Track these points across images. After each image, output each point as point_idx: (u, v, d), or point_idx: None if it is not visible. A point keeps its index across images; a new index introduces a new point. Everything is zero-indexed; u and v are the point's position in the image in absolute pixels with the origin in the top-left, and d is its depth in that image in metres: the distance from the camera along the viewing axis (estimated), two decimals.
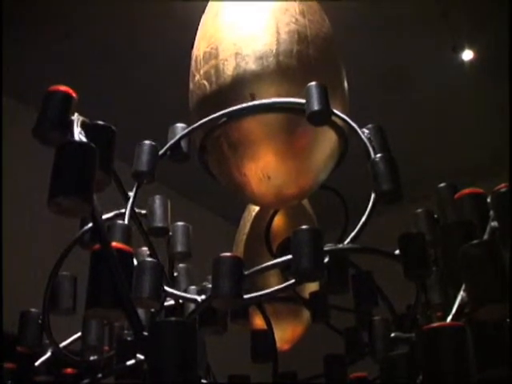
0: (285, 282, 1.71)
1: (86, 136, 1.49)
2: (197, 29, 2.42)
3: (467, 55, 5.85)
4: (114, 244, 1.42)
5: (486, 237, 1.47)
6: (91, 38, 5.63)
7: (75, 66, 5.73)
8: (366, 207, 1.83)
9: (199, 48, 2.32)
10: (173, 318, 1.30)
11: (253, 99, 2.10)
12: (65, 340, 2.08)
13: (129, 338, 1.91)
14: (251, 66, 2.15)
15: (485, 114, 6.30)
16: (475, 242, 1.35)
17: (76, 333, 2.11)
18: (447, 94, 6.21)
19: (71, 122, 1.49)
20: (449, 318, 1.36)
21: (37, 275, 2.49)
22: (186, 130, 2.20)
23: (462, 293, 1.37)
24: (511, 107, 4.88)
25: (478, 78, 6.00)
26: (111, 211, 2.07)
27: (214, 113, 2.12)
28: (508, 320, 1.35)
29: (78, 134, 1.47)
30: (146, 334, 1.35)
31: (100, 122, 1.56)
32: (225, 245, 2.51)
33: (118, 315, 1.36)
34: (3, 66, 5.11)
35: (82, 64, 5.79)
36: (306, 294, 2.22)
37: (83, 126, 1.51)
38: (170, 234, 2.25)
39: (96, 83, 5.81)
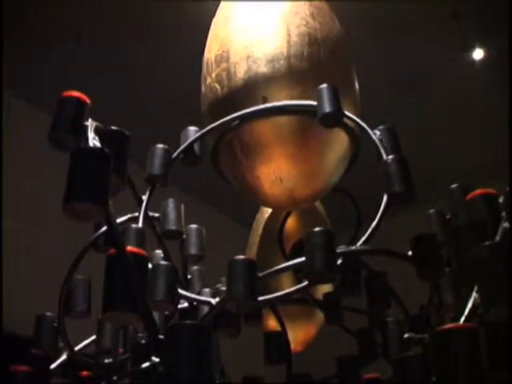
0: (298, 283, 1.72)
1: (100, 141, 1.50)
2: (208, 31, 2.43)
3: (478, 54, 5.84)
4: (129, 248, 1.43)
5: (497, 238, 1.47)
6: (102, 40, 5.65)
7: (86, 68, 5.75)
8: (378, 208, 1.84)
9: (210, 51, 2.33)
10: (188, 321, 1.31)
11: (265, 102, 2.11)
12: (80, 343, 2.09)
13: (143, 341, 1.92)
14: (263, 68, 2.15)
15: (496, 113, 6.27)
16: (487, 243, 1.35)
17: (91, 336, 2.12)
18: (458, 93, 6.20)
19: (85, 128, 1.50)
20: (461, 319, 1.36)
21: (52, 279, 2.50)
22: (199, 134, 2.21)
23: (474, 294, 1.37)
24: (511, 108, 4.86)
25: (488, 77, 5.98)
26: (124, 215, 2.08)
27: (226, 116, 2.13)
28: None
29: (92, 140, 1.48)
30: (161, 336, 1.36)
31: (113, 128, 1.57)
32: (238, 247, 2.52)
33: (134, 319, 1.37)
34: (13, 68, 5.13)
35: (93, 66, 5.81)
36: (320, 296, 2.22)
37: (97, 131, 1.52)
38: (184, 236, 2.26)
39: (108, 85, 5.83)
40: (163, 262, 1.78)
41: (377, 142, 1.95)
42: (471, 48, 5.77)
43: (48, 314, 1.99)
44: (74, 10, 5.33)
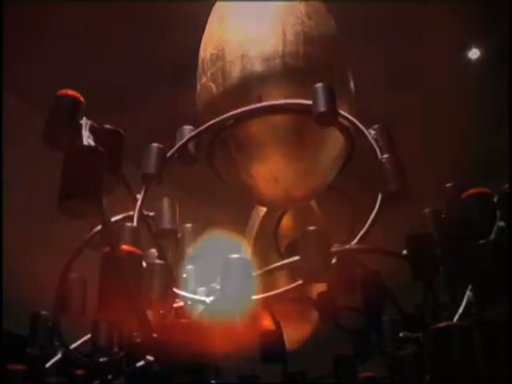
0: (293, 282, 1.72)
1: (95, 140, 1.50)
2: (204, 31, 2.43)
3: (474, 54, 5.85)
4: (123, 247, 1.42)
5: (492, 236, 1.47)
6: (102, 39, 5.64)
7: (80, 67, 5.73)
8: (373, 207, 1.84)
9: (206, 50, 2.32)
10: (184, 320, 1.31)
11: (260, 101, 2.11)
12: (75, 342, 2.09)
13: (138, 340, 1.91)
14: (258, 67, 2.15)
15: (491, 112, 6.28)
16: (482, 241, 1.35)
17: (86, 335, 2.11)
18: (454, 92, 6.19)
19: (80, 126, 1.50)
20: (456, 318, 1.36)
21: (47, 277, 2.50)
22: (193, 132, 2.21)
23: (468, 292, 1.37)
24: (511, 107, 4.86)
25: (484, 77, 5.98)
26: (120, 213, 2.07)
27: (222, 115, 2.13)
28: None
29: (87, 138, 1.48)
30: (155, 335, 1.36)
31: (108, 126, 1.56)
32: (233, 246, 2.51)
33: (129, 318, 1.36)
34: (9, 67, 5.12)
35: (87, 65, 5.79)
36: (315, 295, 2.22)
37: (91, 130, 1.52)
38: (179, 235, 2.26)
39: (106, 85, 5.81)
40: (158, 261, 1.78)
41: (372, 141, 1.95)
42: (468, 48, 5.77)
43: (43, 312, 1.99)
44: (67, 9, 5.31)
